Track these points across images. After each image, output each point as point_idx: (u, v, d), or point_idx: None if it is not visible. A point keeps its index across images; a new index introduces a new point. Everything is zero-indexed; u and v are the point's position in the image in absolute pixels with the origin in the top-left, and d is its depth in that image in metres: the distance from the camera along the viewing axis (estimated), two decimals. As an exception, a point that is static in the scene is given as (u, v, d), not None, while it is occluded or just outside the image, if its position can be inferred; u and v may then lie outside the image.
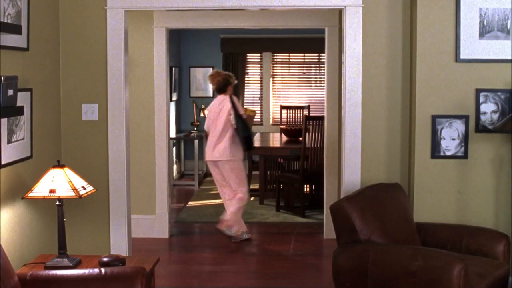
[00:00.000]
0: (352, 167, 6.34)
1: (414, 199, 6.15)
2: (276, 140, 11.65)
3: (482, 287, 5.03)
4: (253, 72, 14.17)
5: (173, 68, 12.63)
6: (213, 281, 7.05)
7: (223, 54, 13.81)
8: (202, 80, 13.90)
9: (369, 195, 5.71)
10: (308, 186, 10.44)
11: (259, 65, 14.14)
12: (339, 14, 8.12)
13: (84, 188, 5.09)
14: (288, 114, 13.28)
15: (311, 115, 12.81)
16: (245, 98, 13.99)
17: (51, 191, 4.93)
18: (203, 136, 12.08)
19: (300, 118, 13.03)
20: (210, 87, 13.94)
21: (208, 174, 13.41)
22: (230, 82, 8.55)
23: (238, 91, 13.79)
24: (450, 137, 6.09)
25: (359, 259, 5.21)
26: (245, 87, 13.99)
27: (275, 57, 13.99)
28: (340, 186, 7.19)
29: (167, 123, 8.61)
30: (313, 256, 7.83)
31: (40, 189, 4.96)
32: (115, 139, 6.37)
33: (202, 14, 8.53)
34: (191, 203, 10.93)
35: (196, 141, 12.82)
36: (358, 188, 6.08)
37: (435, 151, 6.10)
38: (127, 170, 6.45)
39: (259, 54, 14.02)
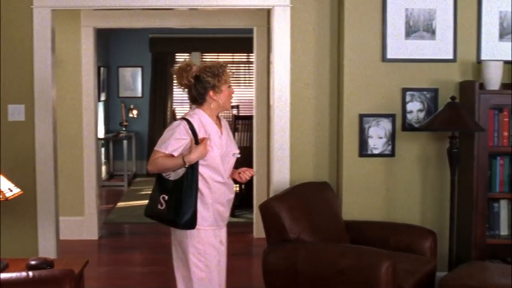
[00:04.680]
0: (281, 166, 6.37)
1: (343, 197, 6.21)
2: (206, 140, 11.59)
3: (410, 283, 5.10)
4: (182, 72, 14.07)
5: (101, 68, 12.50)
6: (143, 282, 7.00)
7: (152, 54, 13.73)
8: (130, 80, 13.81)
9: (298, 194, 5.75)
10: (238, 185, 10.45)
11: (188, 65, 14.06)
12: (267, 14, 8.15)
13: (11, 190, 4.99)
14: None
15: (240, 114, 12.82)
16: (173, 99, 13.92)
17: (-23, 193, 4.83)
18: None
19: (229, 118, 13.02)
20: (139, 87, 13.87)
21: (137, 174, 13.34)
22: (210, 84, 4.66)
23: (167, 92, 13.74)
24: (378, 136, 6.17)
25: (289, 258, 5.23)
26: (174, 88, 13.92)
27: (204, 57, 13.96)
28: (269, 186, 7.22)
29: (95, 123, 8.52)
30: (243, 256, 7.83)
31: (-35, 192, 4.86)
32: (42, 140, 6.29)
33: (130, 13, 8.47)
34: (120, 204, 10.84)
35: (125, 142, 12.72)
36: (287, 187, 6.11)
37: (363, 149, 6.17)
38: (54, 171, 6.37)
39: (188, 54, 13.97)
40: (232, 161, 4.76)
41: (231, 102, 4.87)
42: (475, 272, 5.35)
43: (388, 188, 6.23)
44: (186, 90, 4.72)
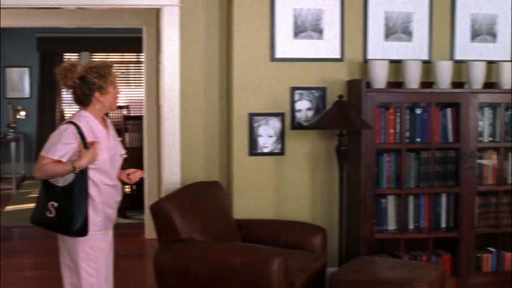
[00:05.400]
0: (171, 166, 6.35)
1: (234, 196, 6.23)
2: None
3: (301, 279, 5.16)
4: (70, 72, 13.85)
5: (-13, 68, 12.19)
6: (32, 287, 6.86)
7: (40, 53, 13.46)
8: (18, 80, 13.50)
9: (189, 193, 5.74)
10: (129, 186, 10.35)
11: (77, 65, 13.85)
12: (156, 13, 8.10)
13: None
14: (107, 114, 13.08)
15: (130, 115, 12.70)
16: (62, 100, 13.67)
17: None
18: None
19: (119, 118, 12.89)
20: (27, 87, 13.58)
21: (26, 177, 13.05)
22: (96, 86, 4.53)
23: (55, 93, 13.50)
24: (267, 135, 6.21)
25: (181, 258, 5.22)
26: (62, 88, 13.67)
27: (93, 56, 13.76)
28: (160, 186, 7.18)
29: (-20, 125, 8.30)
30: (135, 257, 7.77)
31: None
32: None
33: (17, 12, 8.27)
34: (9, 207, 10.59)
35: (13, 144, 12.43)
36: (178, 187, 6.09)
37: (253, 148, 6.21)
38: None
39: (77, 54, 13.75)
40: (119, 162, 4.70)
41: (117, 103, 4.78)
42: (364, 267, 5.46)
43: (279, 186, 6.29)
44: (70, 91, 4.56)
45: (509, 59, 6.56)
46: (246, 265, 5.00)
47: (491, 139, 6.34)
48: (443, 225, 6.31)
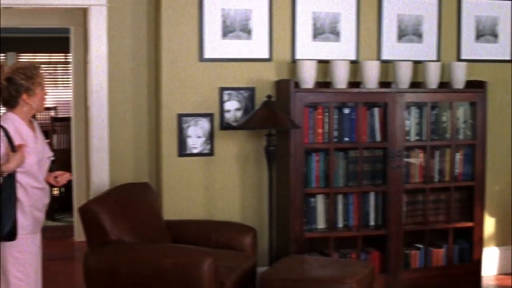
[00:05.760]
0: (100, 167, 6.29)
1: (163, 198, 6.20)
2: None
3: (232, 279, 5.17)
4: (-4, 73, 13.62)
5: None
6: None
7: (-37, 54, 13.22)
8: None
9: (118, 195, 5.69)
10: (57, 188, 10.23)
11: (3, 66, 13.62)
12: (83, 13, 8.01)
13: None
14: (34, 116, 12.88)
15: (58, 116, 12.54)
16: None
17: None
18: None
19: (46, 120, 12.71)
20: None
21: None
22: (24, 87, 4.45)
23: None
24: (196, 135, 6.20)
25: (110, 260, 5.17)
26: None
27: (19, 57, 13.54)
28: (89, 188, 7.11)
29: None
30: (64, 260, 7.67)
31: None
32: None
33: None
34: None
35: None
36: (107, 189, 6.04)
37: (182, 149, 6.19)
38: None
39: (3, 54, 13.51)
40: (47, 165, 4.64)
41: (45, 104, 4.71)
42: (294, 265, 5.50)
43: (208, 187, 6.28)
44: None
45: (434, 59, 6.68)
46: (176, 266, 4.99)
47: (417, 138, 6.44)
48: (372, 223, 6.39)
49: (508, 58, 7.01)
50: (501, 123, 7.01)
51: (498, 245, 7.15)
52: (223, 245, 5.79)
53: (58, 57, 13.63)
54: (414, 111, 6.39)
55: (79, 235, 8.10)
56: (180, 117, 6.16)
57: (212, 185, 6.28)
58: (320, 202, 6.24)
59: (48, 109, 12.85)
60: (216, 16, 6.18)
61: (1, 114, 4.54)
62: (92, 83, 6.26)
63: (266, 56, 6.31)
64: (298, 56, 6.36)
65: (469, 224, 6.53)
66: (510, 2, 6.97)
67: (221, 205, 6.32)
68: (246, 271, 5.49)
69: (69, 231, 8.72)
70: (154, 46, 6.33)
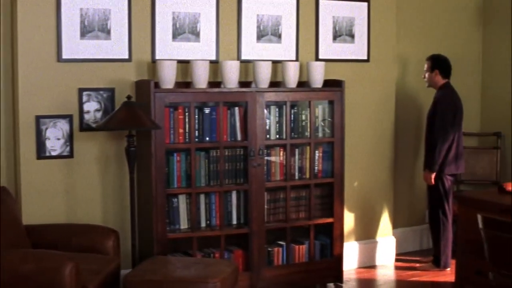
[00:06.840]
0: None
1: (22, 202, 6.04)
2: None
3: (95, 283, 5.11)
4: None
5: None
6: None
7: None
8: None
9: (-26, 200, 5.52)
10: None
11: None
12: None
13: None
14: None
15: None
16: None
17: None
18: None
19: None
20: None
21: None
22: None
23: None
24: (55, 137, 6.08)
25: (-33, 267, 5.01)
26: None
27: None
28: None
29: None
30: None
31: None
32: None
33: None
34: None
35: None
36: (-38, 194, 5.84)
37: (41, 151, 6.05)
38: None
39: None
40: None
41: None
42: (158, 266, 5.48)
43: (68, 189, 6.17)
44: None
45: (293, 58, 6.81)
46: (37, 272, 4.88)
47: (278, 136, 6.53)
48: (234, 221, 6.45)
49: (364, 58, 7.22)
50: (358, 120, 7.21)
51: (357, 239, 7.36)
52: (86, 248, 5.71)
53: None
54: (274, 110, 6.49)
55: None
56: (38, 118, 6.02)
57: (73, 187, 6.18)
58: (182, 202, 6.24)
59: None
60: (74, 16, 6.07)
61: None
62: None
63: (126, 56, 6.26)
64: (158, 56, 6.34)
65: (330, 220, 6.69)
66: (366, 3, 7.18)
67: (83, 208, 6.22)
68: (110, 274, 5.43)
69: None
70: (10, 46, 6.14)
